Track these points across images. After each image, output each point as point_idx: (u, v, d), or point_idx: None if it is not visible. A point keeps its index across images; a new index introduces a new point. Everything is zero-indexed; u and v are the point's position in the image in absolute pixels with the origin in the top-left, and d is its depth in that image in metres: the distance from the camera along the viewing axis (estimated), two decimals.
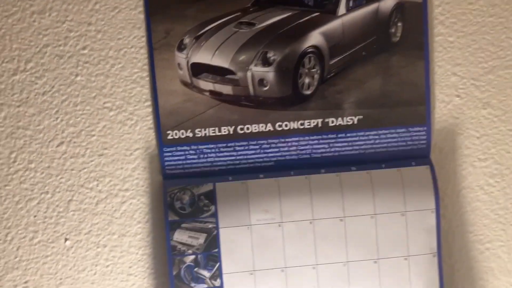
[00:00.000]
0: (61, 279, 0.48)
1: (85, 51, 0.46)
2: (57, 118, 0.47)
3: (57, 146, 0.47)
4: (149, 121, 0.47)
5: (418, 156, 0.50)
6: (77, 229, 0.48)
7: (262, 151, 0.48)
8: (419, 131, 0.49)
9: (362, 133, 0.49)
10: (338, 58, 0.48)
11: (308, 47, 0.47)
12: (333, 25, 0.47)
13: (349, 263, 0.48)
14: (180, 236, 0.47)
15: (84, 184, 0.48)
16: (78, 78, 0.46)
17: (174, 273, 0.47)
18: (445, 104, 0.50)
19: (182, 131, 0.47)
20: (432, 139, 0.50)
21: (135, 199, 0.48)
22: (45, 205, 0.47)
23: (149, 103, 0.47)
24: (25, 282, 0.48)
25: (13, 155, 0.47)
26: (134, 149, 0.48)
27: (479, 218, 0.52)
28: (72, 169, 0.47)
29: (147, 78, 0.47)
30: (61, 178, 0.47)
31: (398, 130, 0.49)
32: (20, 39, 0.45)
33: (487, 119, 0.50)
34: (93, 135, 0.47)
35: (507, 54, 0.49)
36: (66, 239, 0.48)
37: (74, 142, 0.47)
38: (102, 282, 0.49)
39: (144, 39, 0.46)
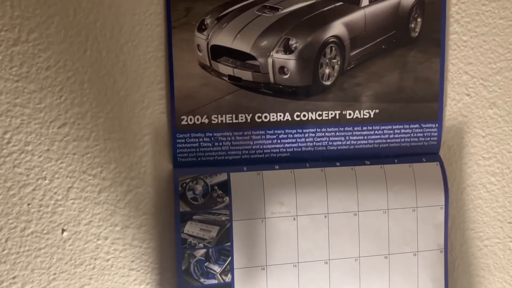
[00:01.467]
0: (54, 274, 0.44)
1: (97, 25, 0.42)
2: (60, 97, 0.42)
3: (59, 127, 0.43)
4: (162, 105, 0.44)
5: (429, 152, 0.50)
6: (76, 219, 0.44)
7: (278, 141, 0.47)
8: (431, 127, 0.50)
9: (377, 127, 0.48)
10: (359, 50, 0.47)
11: (330, 36, 0.46)
12: (355, 16, 0.46)
13: (361, 258, 0.48)
14: (191, 228, 0.44)
15: (86, 170, 0.44)
16: (87, 53, 0.42)
17: (183, 267, 0.44)
18: (456, 102, 0.51)
19: (197, 116, 0.45)
20: (442, 136, 0.50)
21: (141, 188, 0.45)
22: (42, 192, 0.43)
23: (162, 85, 0.44)
24: (13, 278, 0.43)
25: (7, 135, 0.42)
26: (144, 135, 0.44)
27: (480, 216, 0.53)
28: (74, 153, 0.43)
29: (162, 59, 0.44)
30: (61, 162, 0.43)
31: (412, 126, 0.49)
32: (24, 6, 0.40)
33: (492, 118, 0.52)
34: (100, 117, 0.43)
35: None
36: (63, 230, 0.44)
37: (78, 124, 0.43)
38: (101, 278, 0.45)
39: (161, 16, 0.43)
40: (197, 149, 0.45)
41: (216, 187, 0.45)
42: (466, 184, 0.52)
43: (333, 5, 0.46)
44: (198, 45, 0.44)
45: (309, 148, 0.47)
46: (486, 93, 0.51)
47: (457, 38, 0.49)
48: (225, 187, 0.45)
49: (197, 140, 0.45)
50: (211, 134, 0.45)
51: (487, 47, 0.50)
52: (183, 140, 0.45)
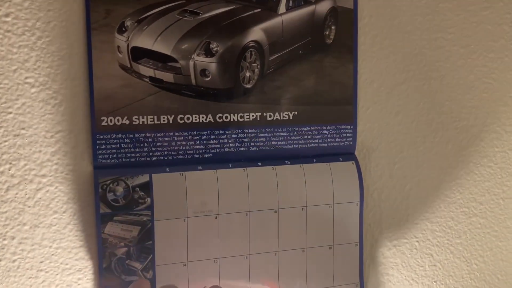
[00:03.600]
0: None
1: (8, 19, 0.40)
2: None
3: None
4: (77, 103, 0.43)
5: (345, 152, 0.53)
6: None
7: (201, 142, 0.47)
8: (346, 129, 0.53)
9: (296, 129, 0.51)
10: (277, 55, 0.49)
11: (250, 41, 0.48)
12: (273, 22, 0.49)
13: (279, 252, 0.49)
14: (112, 229, 0.43)
15: None
16: None
17: (104, 265, 0.43)
18: (365, 109, 0.54)
19: (118, 117, 0.44)
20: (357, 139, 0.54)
21: (52, 187, 0.43)
22: None
23: (76, 82, 0.43)
24: None
25: None
26: (56, 131, 0.43)
27: (388, 217, 0.57)
28: None
29: (76, 56, 0.43)
30: None
31: (328, 127, 0.52)
32: None
33: (399, 125, 0.56)
34: (10, 113, 0.41)
35: (417, 68, 0.56)
36: None
37: None
38: (6, 280, 0.42)
39: (78, 14, 0.42)
40: (118, 151, 0.44)
41: (137, 188, 0.44)
42: (375, 187, 0.56)
43: (252, 11, 0.48)
44: (118, 47, 0.43)
45: (232, 149, 0.48)
46: (392, 101, 0.55)
47: (365, 49, 0.53)
48: (147, 188, 0.44)
49: (118, 141, 0.44)
50: (132, 135, 0.45)
51: (392, 58, 0.55)
52: (104, 142, 0.44)
